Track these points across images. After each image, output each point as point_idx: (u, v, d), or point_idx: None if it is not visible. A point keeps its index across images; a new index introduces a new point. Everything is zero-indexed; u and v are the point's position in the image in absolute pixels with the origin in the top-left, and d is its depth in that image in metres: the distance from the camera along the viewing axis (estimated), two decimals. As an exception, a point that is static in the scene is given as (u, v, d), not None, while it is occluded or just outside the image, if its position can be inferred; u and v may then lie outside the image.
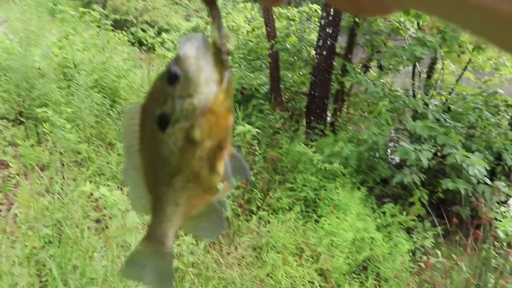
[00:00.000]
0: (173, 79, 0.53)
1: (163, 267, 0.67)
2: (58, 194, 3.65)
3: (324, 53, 5.55)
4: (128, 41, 8.90)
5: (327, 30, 5.62)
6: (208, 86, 0.53)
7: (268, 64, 6.48)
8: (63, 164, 4.03)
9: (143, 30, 11.71)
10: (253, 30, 8.51)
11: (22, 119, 4.64)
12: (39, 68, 5.06)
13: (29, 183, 3.73)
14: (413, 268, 3.84)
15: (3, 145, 4.19)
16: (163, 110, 0.55)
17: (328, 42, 5.62)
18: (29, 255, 2.95)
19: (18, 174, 3.88)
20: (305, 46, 6.22)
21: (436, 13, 0.39)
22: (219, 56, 0.53)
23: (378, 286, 3.56)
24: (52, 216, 3.30)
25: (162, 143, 0.57)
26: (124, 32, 8.55)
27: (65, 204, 3.39)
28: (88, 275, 2.81)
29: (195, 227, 0.65)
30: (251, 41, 7.77)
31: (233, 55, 7.49)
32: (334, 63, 5.82)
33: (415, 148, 4.54)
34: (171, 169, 0.58)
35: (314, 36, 6.67)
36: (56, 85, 4.85)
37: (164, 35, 11.23)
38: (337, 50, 6.00)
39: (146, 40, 11.03)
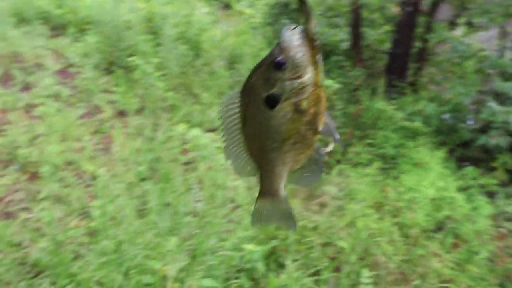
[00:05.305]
0: (281, 65, 0.66)
1: (283, 210, 0.81)
2: (149, 137, 3.87)
3: (409, 9, 5.36)
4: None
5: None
6: (311, 68, 0.66)
7: (346, 21, 6.36)
8: (152, 110, 4.24)
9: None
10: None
11: (113, 68, 4.89)
12: (128, 21, 5.27)
13: (122, 126, 3.96)
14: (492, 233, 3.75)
15: (98, 91, 4.45)
16: (271, 92, 0.68)
17: (414, -2, 5.40)
18: (127, 188, 3.18)
19: (112, 118, 4.13)
20: (389, 2, 6.02)
21: None
22: (313, 43, 0.66)
23: (458, 246, 3.52)
24: (145, 157, 3.51)
25: (271, 118, 0.70)
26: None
27: (158, 144, 3.58)
28: (181, 211, 2.99)
29: (298, 178, 0.79)
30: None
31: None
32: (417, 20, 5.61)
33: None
34: (281, 137, 0.71)
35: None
36: (143, 37, 5.04)
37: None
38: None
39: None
